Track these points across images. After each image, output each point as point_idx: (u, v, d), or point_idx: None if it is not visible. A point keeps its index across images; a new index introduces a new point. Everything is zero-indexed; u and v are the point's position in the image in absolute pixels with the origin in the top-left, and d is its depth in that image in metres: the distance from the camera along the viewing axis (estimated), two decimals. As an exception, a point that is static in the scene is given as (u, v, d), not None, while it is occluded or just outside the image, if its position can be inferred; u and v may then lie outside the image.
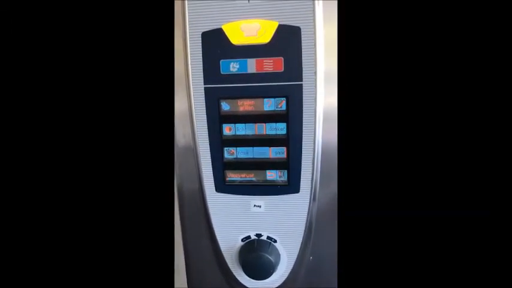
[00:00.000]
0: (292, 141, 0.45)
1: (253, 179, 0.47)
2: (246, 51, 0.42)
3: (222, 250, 0.52)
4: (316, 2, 0.40)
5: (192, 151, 0.48)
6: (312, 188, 0.46)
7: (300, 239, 0.49)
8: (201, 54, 0.43)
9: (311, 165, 0.45)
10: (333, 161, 0.45)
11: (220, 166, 0.47)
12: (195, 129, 0.46)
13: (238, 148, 0.46)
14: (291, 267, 0.51)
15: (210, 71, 0.43)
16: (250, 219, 0.49)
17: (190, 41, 0.43)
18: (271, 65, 0.42)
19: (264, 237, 0.50)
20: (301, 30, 0.40)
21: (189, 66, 0.44)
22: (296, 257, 0.50)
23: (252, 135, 0.46)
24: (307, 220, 0.48)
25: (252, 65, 0.42)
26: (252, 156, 0.46)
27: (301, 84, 0.42)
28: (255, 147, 0.46)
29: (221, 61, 0.43)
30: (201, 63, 0.43)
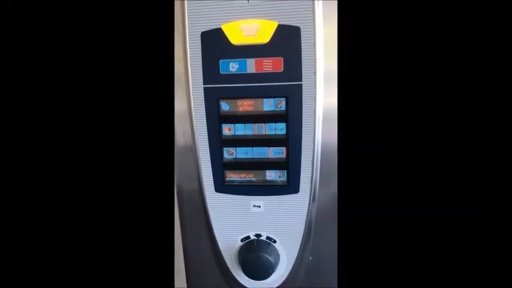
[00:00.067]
0: (292, 141, 0.45)
1: (253, 179, 0.47)
2: (245, 51, 0.42)
3: (222, 250, 0.52)
4: (315, 1, 0.40)
5: (192, 151, 0.48)
6: (311, 188, 0.46)
7: (300, 239, 0.49)
8: (200, 54, 0.43)
9: (310, 166, 0.45)
10: (333, 161, 0.45)
11: (220, 166, 0.47)
12: (195, 129, 0.46)
13: (237, 148, 0.46)
14: (290, 267, 0.51)
15: (210, 71, 0.43)
16: (250, 220, 0.49)
17: (189, 41, 0.43)
18: (271, 65, 0.42)
19: (263, 238, 0.50)
20: (301, 30, 0.40)
21: (189, 66, 0.44)
22: (295, 257, 0.50)
23: (252, 135, 0.46)
24: (306, 220, 0.48)
25: (251, 65, 0.42)
26: (251, 157, 0.46)
27: (301, 84, 0.42)
28: (254, 148, 0.46)
29: (220, 61, 0.43)
30: (201, 63, 0.43)
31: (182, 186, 0.50)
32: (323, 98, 0.43)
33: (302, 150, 0.45)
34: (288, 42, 0.41)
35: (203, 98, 0.44)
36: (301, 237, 0.49)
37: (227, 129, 0.46)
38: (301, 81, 0.42)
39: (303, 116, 0.43)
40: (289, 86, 0.42)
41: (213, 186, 0.48)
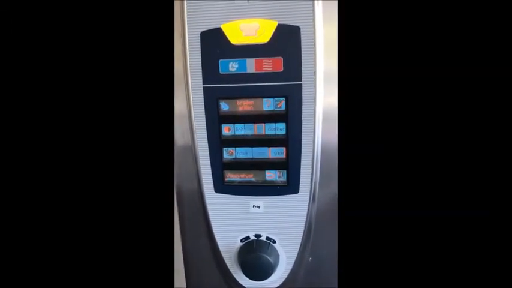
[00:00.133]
0: (292, 141, 0.44)
1: (253, 179, 0.47)
2: (245, 51, 0.42)
3: (221, 251, 0.51)
4: (315, 1, 0.40)
5: (191, 151, 0.47)
6: (311, 188, 0.46)
7: (300, 240, 0.49)
8: (200, 54, 0.43)
9: (310, 166, 0.45)
10: (333, 161, 0.45)
11: (219, 166, 0.47)
12: (194, 129, 0.46)
13: (237, 148, 0.46)
14: (290, 267, 0.51)
15: (209, 71, 0.43)
16: (250, 220, 0.49)
17: (189, 40, 0.43)
18: (271, 64, 0.42)
19: (263, 238, 0.50)
20: (301, 29, 0.40)
21: (188, 66, 0.43)
22: (295, 257, 0.50)
23: (251, 135, 0.45)
24: (306, 220, 0.48)
25: (251, 65, 0.42)
26: (251, 157, 0.46)
27: (301, 84, 0.42)
28: (254, 148, 0.46)
29: (220, 61, 0.43)
30: (200, 63, 0.43)
31: (182, 186, 0.50)
32: (323, 98, 0.43)
33: (302, 150, 0.45)
34: (287, 42, 0.41)
35: (203, 98, 0.44)
36: (301, 237, 0.49)
37: (227, 129, 0.46)
38: (301, 81, 0.42)
39: (303, 116, 0.43)
40: (289, 86, 0.42)
41: (213, 186, 0.48)
